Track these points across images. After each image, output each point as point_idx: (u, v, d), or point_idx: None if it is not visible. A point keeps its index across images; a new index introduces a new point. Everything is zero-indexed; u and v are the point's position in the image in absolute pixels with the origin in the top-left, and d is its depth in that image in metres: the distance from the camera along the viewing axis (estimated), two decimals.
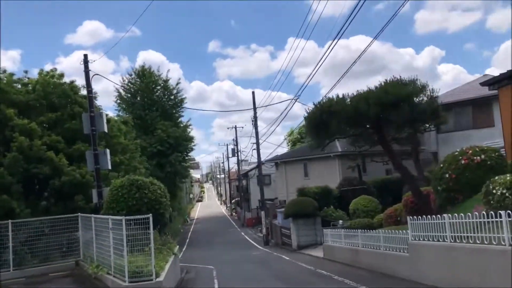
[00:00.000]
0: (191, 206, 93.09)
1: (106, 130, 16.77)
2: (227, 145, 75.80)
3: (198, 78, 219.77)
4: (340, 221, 21.42)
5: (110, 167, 16.81)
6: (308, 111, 14.23)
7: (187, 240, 41.24)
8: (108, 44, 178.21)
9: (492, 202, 8.89)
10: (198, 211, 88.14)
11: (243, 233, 44.78)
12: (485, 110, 24.58)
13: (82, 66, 16.19)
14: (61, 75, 20.15)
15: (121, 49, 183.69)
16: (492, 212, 7.97)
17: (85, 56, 16.35)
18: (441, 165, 12.42)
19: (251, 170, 51.72)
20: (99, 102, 35.13)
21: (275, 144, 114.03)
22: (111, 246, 12.67)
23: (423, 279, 10.45)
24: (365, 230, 15.71)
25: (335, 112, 13.12)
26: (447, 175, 11.92)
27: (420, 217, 10.93)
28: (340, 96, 13.80)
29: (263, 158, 50.51)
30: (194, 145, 46.52)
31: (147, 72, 45.36)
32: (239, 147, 58.11)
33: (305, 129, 14.86)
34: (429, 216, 10.60)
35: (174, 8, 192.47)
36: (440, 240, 9.83)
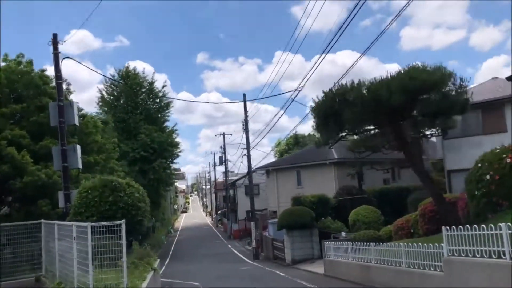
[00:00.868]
0: (175, 217, 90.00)
1: (76, 122, 14.33)
2: (214, 153, 73.39)
3: (186, 89, 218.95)
4: (343, 233, 19.21)
5: (80, 166, 14.35)
6: (317, 100, 12.00)
7: (170, 253, 38.54)
8: (96, 53, 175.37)
9: None
10: (182, 222, 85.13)
11: (230, 246, 42.24)
12: (497, 114, 22.76)
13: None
14: (30, 63, 17.69)
15: (108, 58, 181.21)
16: None
17: (54, 36, 13.96)
18: (479, 165, 10.31)
19: (239, 179, 49.40)
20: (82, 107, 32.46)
21: (264, 152, 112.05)
22: (75, 259, 10.34)
23: None
24: (378, 243, 13.58)
25: (350, 101, 10.97)
26: (487, 177, 9.81)
27: (456, 227, 8.83)
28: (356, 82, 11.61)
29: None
30: (180, 151, 44.02)
31: (131, 74, 42.94)
32: (226, 155, 55.66)
33: (313, 122, 12.59)
34: (467, 226, 8.50)
35: (163, 20, 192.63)
36: (494, 256, 7.69)
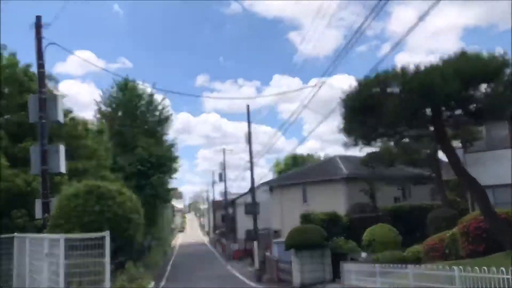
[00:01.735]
0: (172, 237, 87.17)
1: (61, 119, 12.31)
2: (213, 171, 71.22)
3: (185, 110, 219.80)
4: (363, 254, 17.02)
5: (64, 171, 12.26)
6: (348, 91, 9.94)
7: (167, 274, 35.97)
8: (99, 75, 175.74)
9: None
10: (179, 241, 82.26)
11: (229, 267, 39.65)
12: None
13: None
14: (13, 55, 15.74)
15: (110, 79, 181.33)
16: None
17: (38, 18, 12.06)
18: None
19: (240, 196, 47.21)
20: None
21: (261, 172, 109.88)
22: (46, 279, 8.30)
23: None
24: (405, 266, 11.50)
25: (389, 93, 8.97)
26: None
27: None
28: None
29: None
30: (179, 166, 41.85)
31: (130, 85, 41.09)
32: (225, 173, 53.56)
33: (342, 117, 10.46)
34: None
35: (165, 43, 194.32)
36: None
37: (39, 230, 12.32)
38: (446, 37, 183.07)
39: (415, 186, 29.84)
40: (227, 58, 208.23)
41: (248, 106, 32.11)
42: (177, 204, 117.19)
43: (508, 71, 9.01)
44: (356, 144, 11.14)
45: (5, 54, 16.15)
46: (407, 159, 22.69)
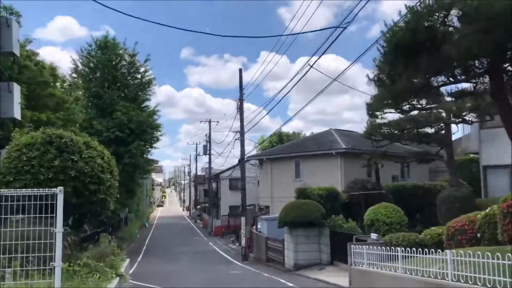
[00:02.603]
0: (150, 210, 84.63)
1: (16, 51, 9.56)
2: (196, 143, 68.49)
3: (168, 83, 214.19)
4: (373, 235, 14.88)
5: (19, 117, 9.60)
6: (392, 24, 7.44)
7: (144, 248, 33.72)
8: (80, 42, 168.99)
9: None
10: (158, 216, 79.89)
11: (211, 243, 37.61)
12: None
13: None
14: None
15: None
16: None
17: None
18: None
19: (227, 169, 44.92)
20: None
21: (248, 147, 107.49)
22: None
23: None
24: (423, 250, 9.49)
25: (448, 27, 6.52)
26: None
27: None
28: None
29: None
30: (161, 135, 38.93)
31: (110, 44, 37.73)
32: (211, 145, 50.89)
33: (380, 61, 7.92)
34: None
35: (151, 14, 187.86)
36: None
37: None
38: None
39: (413, 165, 28.09)
40: (213, 30, 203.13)
41: (240, 70, 29.52)
42: (157, 177, 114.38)
43: None
44: (397, 96, 8.66)
45: None
46: (415, 136, 20.52)
